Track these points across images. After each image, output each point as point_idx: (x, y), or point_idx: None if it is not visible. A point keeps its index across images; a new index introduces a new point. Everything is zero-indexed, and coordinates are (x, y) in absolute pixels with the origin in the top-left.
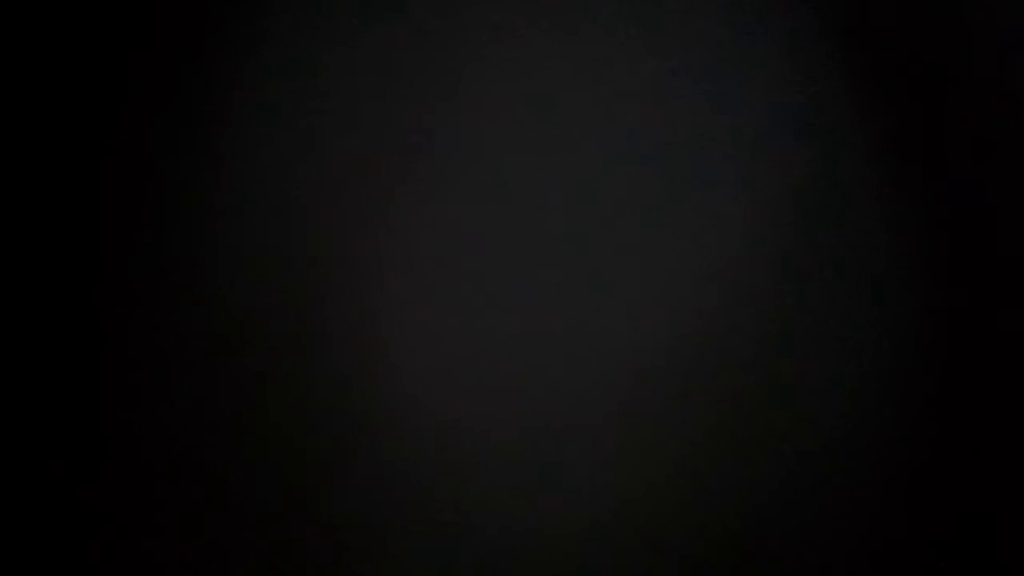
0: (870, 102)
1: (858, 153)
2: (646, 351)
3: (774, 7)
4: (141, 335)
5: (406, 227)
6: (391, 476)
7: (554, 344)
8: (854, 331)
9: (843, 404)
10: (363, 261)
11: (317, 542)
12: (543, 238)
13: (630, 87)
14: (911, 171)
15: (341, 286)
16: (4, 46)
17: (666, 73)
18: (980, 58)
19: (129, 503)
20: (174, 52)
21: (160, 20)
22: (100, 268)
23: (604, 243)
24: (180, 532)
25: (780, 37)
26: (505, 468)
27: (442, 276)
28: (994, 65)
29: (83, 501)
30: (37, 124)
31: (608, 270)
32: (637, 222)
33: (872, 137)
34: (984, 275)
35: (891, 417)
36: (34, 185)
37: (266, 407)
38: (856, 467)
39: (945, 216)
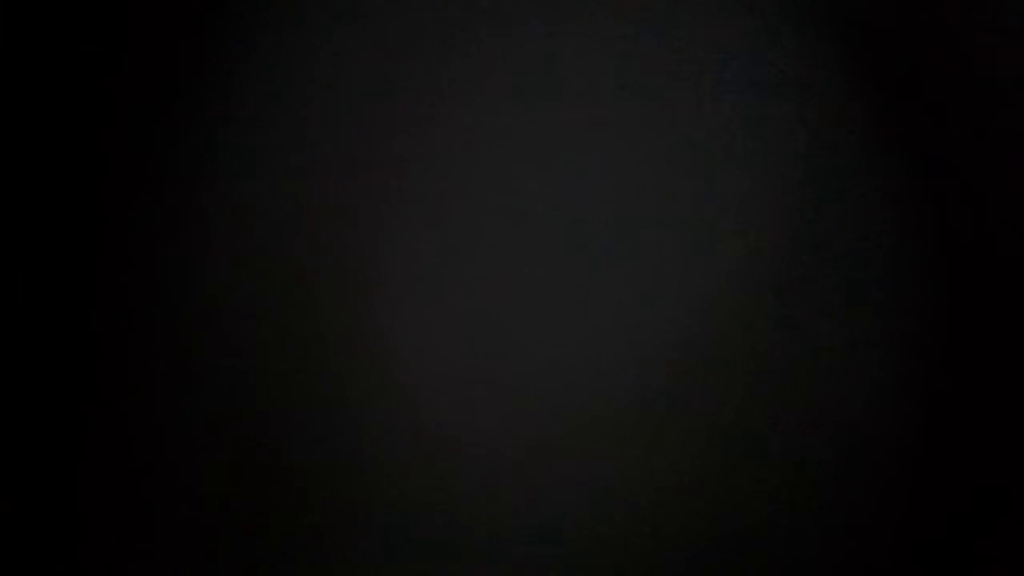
0: (870, 102)
1: (858, 152)
2: (646, 351)
3: (774, 6)
4: (140, 335)
5: (406, 227)
6: (391, 476)
7: (555, 344)
8: (855, 330)
9: (844, 404)
10: (363, 262)
11: (316, 543)
12: (543, 238)
13: (629, 88)
14: (911, 170)
15: (341, 286)
16: (3, 45)
17: (665, 73)
18: (980, 58)
19: (127, 503)
20: (172, 51)
21: (159, 19)
22: (98, 268)
23: (604, 243)
24: (178, 533)
25: (780, 36)
26: (506, 469)
27: (443, 276)
28: (994, 65)
29: (81, 502)
30: (35, 123)
31: (608, 270)
32: (637, 222)
33: (872, 137)
34: (984, 274)
35: (892, 416)
36: (32, 185)
37: (265, 408)
38: (858, 466)
39: (945, 215)
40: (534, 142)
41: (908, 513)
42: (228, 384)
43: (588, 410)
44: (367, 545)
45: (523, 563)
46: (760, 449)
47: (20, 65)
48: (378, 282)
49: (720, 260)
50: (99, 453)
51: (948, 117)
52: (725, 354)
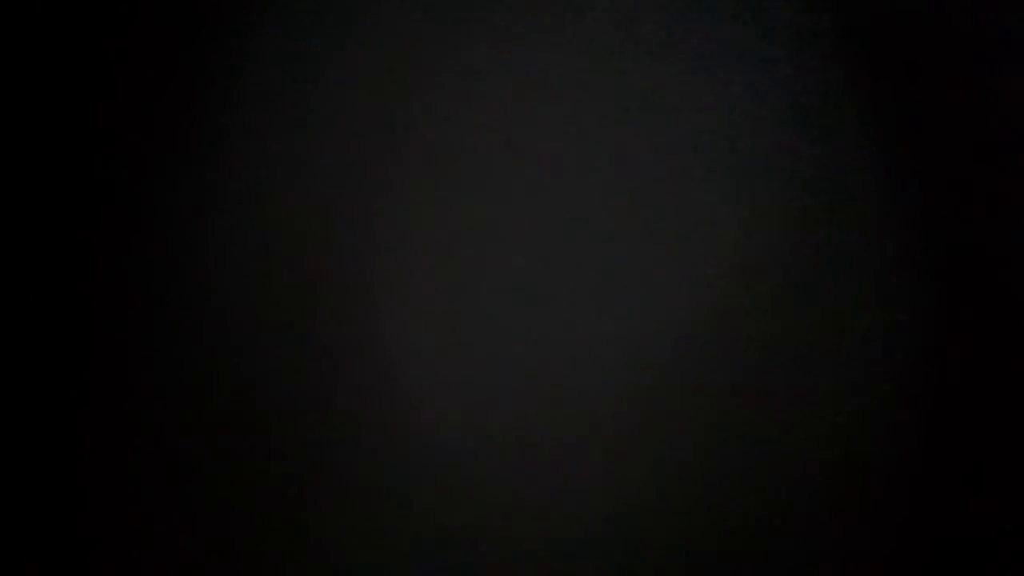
0: (870, 102)
1: (858, 153)
2: (646, 351)
3: (774, 6)
4: (139, 337)
5: (406, 228)
6: (391, 477)
7: (555, 344)
8: (854, 330)
9: (843, 404)
10: (363, 262)
11: (317, 543)
12: (543, 238)
13: (629, 87)
14: (911, 171)
15: (341, 287)
16: (3, 45)
17: (665, 73)
18: (980, 58)
19: (126, 506)
20: (173, 51)
21: (159, 19)
22: (98, 269)
23: (604, 243)
24: (177, 533)
25: (780, 36)
26: (505, 470)
27: (442, 277)
28: (994, 65)
29: (79, 504)
30: (35, 124)
31: (608, 271)
32: (637, 222)
33: (872, 137)
34: (984, 275)
35: (891, 416)
36: (32, 186)
37: (265, 409)
38: (856, 467)
39: (945, 216)
40: (534, 144)
41: (908, 514)
42: (228, 384)
43: (587, 410)
44: (367, 545)
45: (523, 563)
46: (760, 449)
47: (20, 65)
48: (378, 283)
49: (720, 261)
50: (99, 453)
51: (948, 117)
52: (725, 355)
